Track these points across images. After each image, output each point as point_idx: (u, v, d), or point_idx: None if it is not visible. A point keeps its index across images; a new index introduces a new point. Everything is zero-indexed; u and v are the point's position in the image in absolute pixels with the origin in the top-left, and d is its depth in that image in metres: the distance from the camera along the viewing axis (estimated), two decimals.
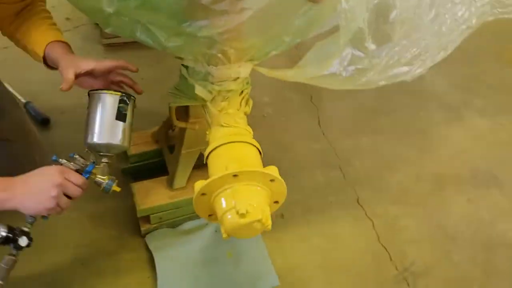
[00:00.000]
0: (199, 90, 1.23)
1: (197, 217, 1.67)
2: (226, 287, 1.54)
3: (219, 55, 1.13)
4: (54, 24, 1.34)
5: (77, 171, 1.18)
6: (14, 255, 1.10)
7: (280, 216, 1.74)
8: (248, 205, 1.10)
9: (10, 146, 1.47)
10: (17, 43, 1.32)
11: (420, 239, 1.72)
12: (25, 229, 1.12)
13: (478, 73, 2.53)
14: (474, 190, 1.91)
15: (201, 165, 1.64)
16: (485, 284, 1.61)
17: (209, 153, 1.23)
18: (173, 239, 1.60)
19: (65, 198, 1.11)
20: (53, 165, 1.14)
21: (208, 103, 1.25)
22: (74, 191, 1.13)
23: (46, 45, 1.25)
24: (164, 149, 1.71)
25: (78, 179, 1.14)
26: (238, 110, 1.25)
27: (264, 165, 1.18)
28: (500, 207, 1.85)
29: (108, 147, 1.22)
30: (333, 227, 1.72)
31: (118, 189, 1.25)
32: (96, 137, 1.19)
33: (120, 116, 1.21)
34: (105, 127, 1.20)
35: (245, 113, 1.27)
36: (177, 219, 1.64)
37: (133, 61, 1.32)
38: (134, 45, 1.70)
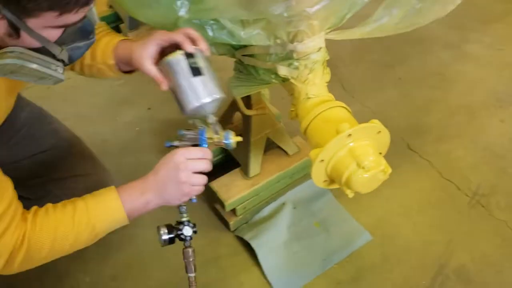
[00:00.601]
0: (284, 70, 1.28)
1: (273, 200, 1.74)
2: (324, 253, 1.61)
3: (305, 29, 1.19)
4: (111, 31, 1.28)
5: (193, 145, 1.12)
6: (188, 246, 1.12)
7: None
8: (369, 159, 1.17)
9: (85, 180, 1.47)
10: (88, 69, 1.30)
11: (476, 164, 1.85)
12: (183, 219, 1.12)
13: (468, 9, 2.68)
14: (502, 110, 2.06)
15: (268, 149, 1.72)
16: None
17: (308, 124, 1.29)
18: (261, 227, 1.66)
19: (197, 176, 1.08)
20: (171, 151, 1.11)
21: (292, 80, 1.30)
22: (201, 165, 1.09)
23: (112, 51, 1.19)
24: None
25: (198, 152, 1.10)
26: (321, 79, 1.31)
27: None
28: None
29: (204, 106, 1.10)
30: (397, 175, 1.81)
31: (239, 138, 1.17)
32: (187, 104, 1.09)
33: (196, 71, 1.08)
34: (189, 89, 1.09)
35: (326, 82, 1.34)
36: (258, 205, 1.70)
37: None
38: None
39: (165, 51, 1.12)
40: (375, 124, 1.21)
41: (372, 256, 1.60)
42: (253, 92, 1.49)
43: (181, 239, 1.11)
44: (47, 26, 0.92)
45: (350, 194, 1.23)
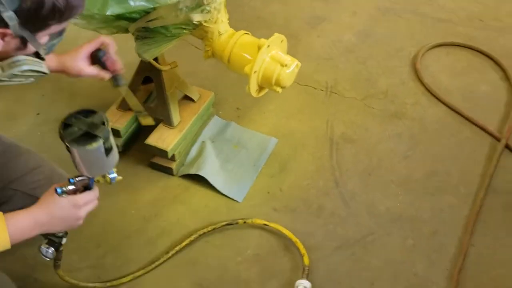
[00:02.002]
0: (198, 17, 1.63)
1: (194, 142, 2.07)
2: (251, 162, 2.02)
3: None
4: None
5: (84, 188, 1.26)
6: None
7: (235, 110, 2.25)
8: (287, 59, 1.63)
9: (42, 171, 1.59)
10: None
11: (316, 69, 2.44)
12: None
13: None
14: (315, 29, 2.70)
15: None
16: None
17: (230, 53, 1.67)
18: (197, 163, 1.98)
19: (87, 212, 1.25)
20: (63, 199, 1.21)
21: (205, 23, 1.66)
22: (93, 206, 1.27)
23: None
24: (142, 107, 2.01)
25: (92, 195, 1.26)
26: (225, 17, 1.70)
27: None
28: None
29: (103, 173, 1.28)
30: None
31: (120, 177, 1.32)
32: (92, 174, 1.25)
33: (108, 151, 1.20)
34: (99, 167, 1.24)
35: (227, 19, 1.73)
36: (186, 148, 2.02)
37: None
38: None
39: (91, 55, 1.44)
40: (279, 35, 1.67)
41: (285, 150, 2.08)
42: (164, 50, 1.80)
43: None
44: (47, 34, 1.12)
45: (279, 90, 1.67)
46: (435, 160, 2.06)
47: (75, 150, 1.17)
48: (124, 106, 2.00)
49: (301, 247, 1.74)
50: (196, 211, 1.88)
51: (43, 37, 1.11)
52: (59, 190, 1.20)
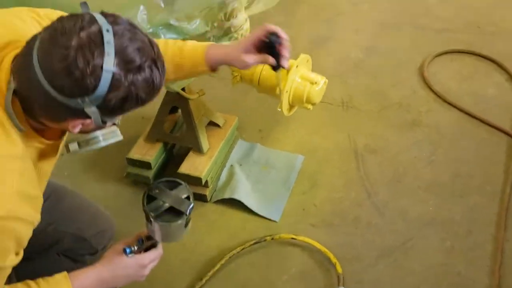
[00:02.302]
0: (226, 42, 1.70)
1: (223, 166, 2.10)
2: (282, 180, 2.07)
3: (238, 6, 1.63)
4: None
5: (150, 246, 1.24)
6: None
7: (258, 131, 2.30)
8: (315, 77, 1.70)
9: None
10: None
11: (329, 87, 2.52)
12: None
13: None
14: (326, 47, 2.78)
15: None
16: None
17: (259, 76, 1.73)
18: (229, 187, 2.02)
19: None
20: (130, 260, 1.19)
21: None
22: (156, 263, 1.24)
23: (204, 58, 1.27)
24: (171, 137, 2.05)
25: (156, 255, 1.23)
26: None
27: None
28: None
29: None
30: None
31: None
32: (166, 241, 1.25)
33: (187, 224, 1.23)
34: (175, 237, 1.26)
35: None
36: (217, 173, 2.06)
37: None
38: None
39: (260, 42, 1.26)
40: (305, 55, 1.74)
41: (312, 166, 2.13)
42: (192, 80, 1.85)
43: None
44: None
45: (310, 107, 1.73)
46: (457, 163, 2.12)
47: (159, 226, 1.17)
48: (151, 138, 2.04)
49: (331, 256, 1.78)
50: (235, 235, 1.90)
51: None
52: (128, 250, 1.18)
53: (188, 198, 1.22)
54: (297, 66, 1.67)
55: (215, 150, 2.02)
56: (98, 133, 1.10)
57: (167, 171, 2.10)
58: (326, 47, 2.75)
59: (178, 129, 2.12)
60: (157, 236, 1.22)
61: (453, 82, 2.49)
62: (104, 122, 0.95)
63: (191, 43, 1.34)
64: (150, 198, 1.20)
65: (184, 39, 1.68)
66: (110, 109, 0.91)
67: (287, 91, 1.68)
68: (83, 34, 0.86)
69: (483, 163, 2.12)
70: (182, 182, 1.25)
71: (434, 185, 2.04)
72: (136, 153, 2.01)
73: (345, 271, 1.75)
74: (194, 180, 1.94)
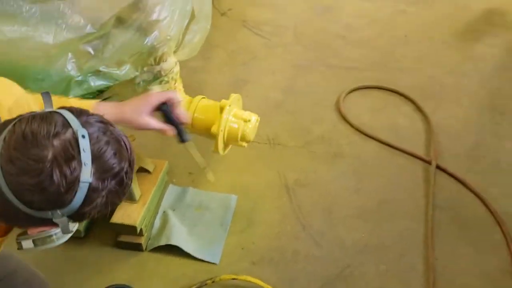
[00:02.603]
0: (158, 88, 1.69)
1: (155, 213, 2.06)
2: (218, 222, 2.06)
3: (167, 51, 1.65)
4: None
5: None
6: None
7: (188, 175, 2.28)
8: (248, 115, 1.74)
9: None
10: None
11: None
12: None
13: None
14: None
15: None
16: None
17: (192, 119, 1.74)
18: (164, 233, 1.97)
19: None
20: None
21: None
22: None
23: None
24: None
25: None
26: (181, 85, 1.78)
27: None
28: None
29: None
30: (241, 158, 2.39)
31: None
32: None
33: None
34: None
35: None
36: (150, 221, 2.01)
37: None
38: None
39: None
40: (236, 95, 1.78)
41: (246, 205, 2.14)
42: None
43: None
44: None
45: (245, 145, 1.76)
46: (381, 190, 2.24)
47: None
48: None
49: None
50: (174, 282, 1.85)
51: None
52: None
53: None
54: (229, 106, 1.70)
55: (147, 197, 1.98)
56: (55, 230, 0.97)
57: (97, 222, 2.01)
58: (246, 90, 2.83)
59: None
60: None
61: (367, 115, 2.65)
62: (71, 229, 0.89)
63: (74, 100, 1.29)
64: None
65: (113, 85, 1.67)
66: (81, 217, 0.85)
67: (221, 130, 1.70)
68: (56, 143, 0.79)
69: (405, 188, 2.25)
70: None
71: (363, 213, 2.13)
72: None
73: None
74: (128, 229, 1.88)
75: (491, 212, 2.12)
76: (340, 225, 2.07)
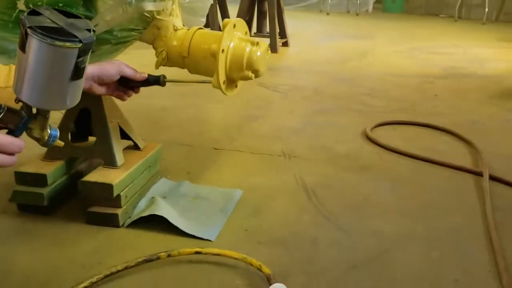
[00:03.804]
0: (151, 6, 1.45)
1: (142, 196, 1.65)
2: (217, 208, 1.63)
3: None
4: None
5: (8, 130, 0.93)
6: None
7: (186, 174, 1.90)
8: (258, 39, 1.45)
9: None
10: None
11: (271, 140, 2.23)
12: None
13: None
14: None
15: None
16: None
17: (189, 45, 1.46)
18: (148, 210, 1.55)
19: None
20: None
21: (159, 16, 1.47)
22: (8, 161, 0.92)
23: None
24: (76, 150, 1.62)
25: (9, 141, 0.91)
26: (179, 10, 1.53)
27: None
28: None
29: (54, 108, 0.96)
30: (248, 164, 2.02)
31: (61, 143, 1.04)
32: (37, 102, 0.90)
33: (78, 73, 0.89)
34: (54, 90, 0.90)
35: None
36: (134, 197, 1.59)
37: None
38: None
39: None
40: (243, 21, 1.51)
41: (254, 199, 1.71)
42: None
43: None
44: None
45: (252, 76, 1.44)
46: (425, 195, 1.79)
47: (35, 43, 0.83)
48: (51, 154, 1.61)
49: (253, 261, 1.29)
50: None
51: None
52: None
53: (89, 31, 0.87)
54: (234, 26, 1.43)
55: (131, 165, 1.60)
56: None
57: (68, 202, 1.61)
58: (260, 121, 2.55)
59: (84, 157, 1.70)
60: (28, 80, 0.83)
61: (399, 141, 2.29)
62: None
63: None
64: (33, 14, 0.84)
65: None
66: None
67: (223, 51, 1.40)
68: None
69: (454, 194, 1.81)
70: (83, 17, 0.90)
71: (404, 210, 1.67)
72: (29, 167, 1.55)
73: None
74: (103, 191, 1.47)
75: None
76: (375, 218, 1.61)
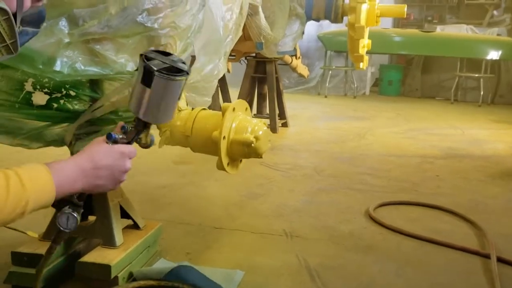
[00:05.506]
0: None
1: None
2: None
3: (171, 43, 1.49)
4: None
5: (127, 142, 1.20)
6: None
7: (186, 254, 1.85)
8: (257, 121, 1.47)
9: None
10: None
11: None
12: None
13: None
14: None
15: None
16: None
17: (192, 126, 1.47)
18: None
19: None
20: (109, 146, 1.14)
21: None
22: (134, 156, 1.18)
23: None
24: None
25: (132, 149, 1.18)
26: (184, 93, 1.56)
27: None
28: None
29: (163, 122, 1.32)
30: (249, 244, 1.98)
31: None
32: (153, 119, 1.20)
33: (180, 94, 1.20)
34: (166, 109, 1.19)
35: None
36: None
37: None
38: None
39: None
40: (242, 101, 1.54)
41: (256, 280, 1.66)
42: None
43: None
44: None
45: (254, 155, 1.44)
46: (431, 277, 1.74)
47: (163, 81, 1.13)
48: (49, 234, 1.57)
49: None
50: None
51: None
52: (114, 136, 1.14)
53: (183, 63, 1.20)
54: (234, 109, 1.45)
55: (131, 245, 1.56)
56: None
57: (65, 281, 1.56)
58: (261, 200, 2.53)
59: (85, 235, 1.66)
60: (145, 107, 1.16)
61: (403, 221, 2.26)
62: None
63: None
64: (147, 60, 1.15)
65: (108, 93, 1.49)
66: None
67: (224, 137, 1.41)
68: None
69: (461, 277, 1.76)
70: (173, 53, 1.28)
71: None
72: (26, 247, 1.51)
73: None
74: (100, 271, 1.43)
75: None
76: None
